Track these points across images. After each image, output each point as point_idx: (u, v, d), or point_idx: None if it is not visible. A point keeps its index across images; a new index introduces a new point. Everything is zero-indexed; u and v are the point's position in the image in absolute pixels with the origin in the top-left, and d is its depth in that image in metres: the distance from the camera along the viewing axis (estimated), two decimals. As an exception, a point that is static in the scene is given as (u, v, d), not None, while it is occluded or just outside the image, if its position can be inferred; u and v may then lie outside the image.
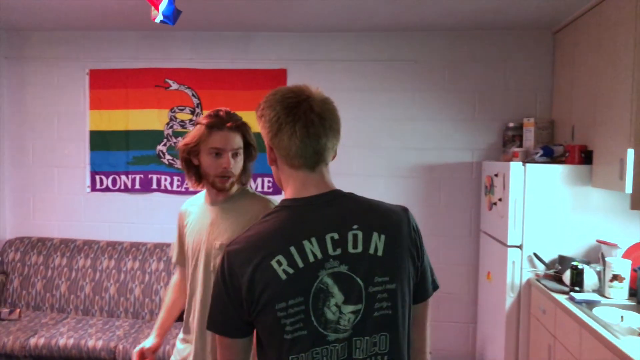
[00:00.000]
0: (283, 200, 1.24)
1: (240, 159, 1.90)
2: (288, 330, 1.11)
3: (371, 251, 1.17)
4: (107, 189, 4.21)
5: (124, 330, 3.51)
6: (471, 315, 3.94)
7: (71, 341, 3.34)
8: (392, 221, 1.23)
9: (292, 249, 1.13)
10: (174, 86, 4.09)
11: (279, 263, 1.12)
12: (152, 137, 4.13)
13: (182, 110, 4.09)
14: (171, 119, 4.10)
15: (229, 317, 1.17)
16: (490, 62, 3.86)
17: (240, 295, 1.14)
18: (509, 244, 3.16)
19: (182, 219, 2.03)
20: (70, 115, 4.19)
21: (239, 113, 3.97)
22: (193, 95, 4.08)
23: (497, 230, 3.39)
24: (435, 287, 1.36)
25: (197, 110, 4.07)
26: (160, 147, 4.12)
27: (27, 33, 4.18)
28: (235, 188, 1.92)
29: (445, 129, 3.93)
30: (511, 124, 3.76)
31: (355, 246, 1.16)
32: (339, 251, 1.15)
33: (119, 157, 4.19)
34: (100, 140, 4.19)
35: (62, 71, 4.18)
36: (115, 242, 4.07)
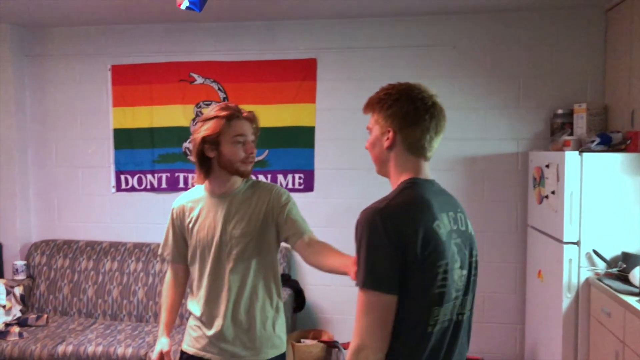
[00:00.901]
0: (412, 178, 1.38)
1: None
2: (438, 285, 1.27)
3: (469, 230, 1.42)
4: (132, 189, 4.06)
5: (153, 336, 3.36)
6: (519, 316, 3.69)
7: (100, 348, 3.19)
8: (463, 208, 1.47)
9: (441, 216, 1.32)
10: (199, 80, 3.91)
11: (439, 227, 1.30)
12: (178, 134, 3.96)
13: (207, 105, 3.92)
14: (197, 115, 3.93)
15: (393, 273, 1.24)
16: (535, 44, 3.59)
17: (404, 252, 1.23)
18: (564, 240, 2.91)
19: (182, 216, 2.02)
20: (93, 113, 4.05)
21: (268, 106, 3.84)
22: (219, 89, 3.90)
23: (550, 225, 3.14)
24: None
25: (224, 104, 3.89)
26: (186, 144, 3.95)
27: (48, 30, 4.04)
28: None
29: (487, 118, 3.67)
30: (560, 111, 3.49)
31: (462, 225, 1.39)
32: (455, 227, 1.36)
33: (144, 156, 4.03)
34: (125, 139, 4.04)
35: (84, 68, 4.04)
36: (142, 243, 3.92)
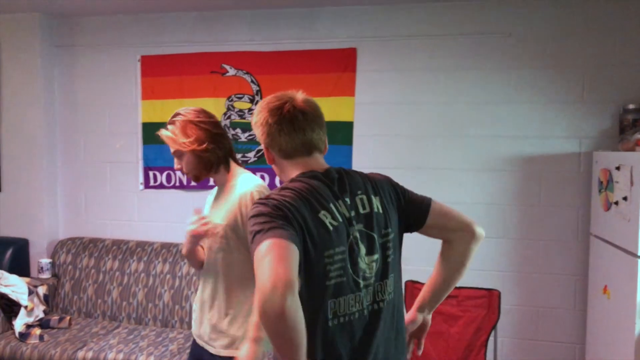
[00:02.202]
0: (298, 174, 1.38)
1: (184, 157, 1.97)
2: (331, 277, 1.26)
3: (375, 209, 1.38)
4: (161, 186, 3.87)
5: (177, 345, 3.14)
6: (578, 335, 3.31)
7: (120, 356, 2.99)
8: (380, 185, 1.44)
9: (330, 206, 1.31)
10: (231, 72, 3.68)
11: (325, 216, 1.29)
12: (209, 128, 3.73)
13: (240, 98, 3.68)
14: (229, 109, 3.70)
15: (295, 234, 1.21)
16: (603, 32, 3.20)
17: (298, 230, 1.22)
18: None
19: None
20: (121, 107, 3.87)
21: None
22: (252, 81, 3.65)
23: (620, 235, 2.75)
24: (428, 200, 1.53)
25: (257, 98, 3.65)
26: (217, 140, 3.72)
27: (77, 19, 3.89)
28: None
29: (546, 113, 3.30)
30: (631, 106, 3.09)
31: (364, 207, 1.37)
32: (353, 213, 1.35)
33: (174, 151, 3.82)
34: (154, 133, 3.82)
35: (113, 59, 3.86)
36: (170, 243, 3.72)
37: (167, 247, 3.68)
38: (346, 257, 1.29)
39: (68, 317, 3.41)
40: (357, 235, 1.33)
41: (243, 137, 3.68)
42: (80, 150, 3.96)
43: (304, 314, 1.12)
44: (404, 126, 3.48)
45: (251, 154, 3.68)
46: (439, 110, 3.42)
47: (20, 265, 3.77)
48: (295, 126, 1.40)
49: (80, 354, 3.03)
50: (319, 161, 1.45)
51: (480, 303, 2.89)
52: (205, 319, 1.98)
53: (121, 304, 3.57)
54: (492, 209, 3.39)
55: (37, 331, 3.20)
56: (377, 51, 3.48)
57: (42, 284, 3.55)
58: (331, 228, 1.29)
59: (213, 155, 1.96)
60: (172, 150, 1.98)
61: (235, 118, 3.68)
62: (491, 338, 2.90)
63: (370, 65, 3.49)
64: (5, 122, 3.88)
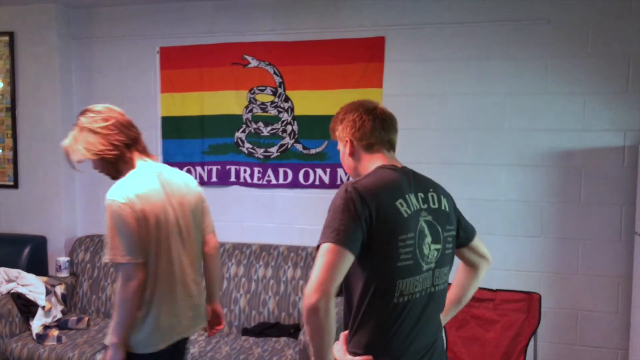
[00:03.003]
0: (381, 165, 1.56)
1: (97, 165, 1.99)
2: (402, 259, 1.41)
3: (443, 207, 1.56)
4: (181, 182, 3.74)
5: (199, 347, 3.03)
6: (621, 340, 3.11)
7: None
8: (445, 191, 1.64)
9: (407, 196, 1.47)
10: (253, 63, 3.53)
11: (401, 204, 1.44)
12: (230, 122, 3.60)
13: (262, 90, 3.54)
14: (250, 102, 3.56)
15: (356, 235, 1.37)
16: (650, 16, 2.99)
17: (367, 221, 1.38)
18: (695, 255, 2.34)
19: None
20: (140, 100, 3.75)
21: (328, 91, 3.38)
22: (275, 72, 3.50)
23: (672, 235, 2.56)
24: (474, 230, 1.72)
25: (280, 90, 3.50)
26: (238, 134, 3.59)
27: (95, 10, 3.77)
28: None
29: (587, 104, 3.10)
30: (681, 96, 2.89)
31: (434, 203, 1.54)
32: (425, 205, 1.51)
33: (194, 146, 3.70)
34: (173, 127, 3.72)
35: (131, 51, 3.74)
36: (190, 241, 3.59)
37: (187, 245, 3.56)
38: (415, 242, 1.44)
39: (86, 318, 3.31)
40: (425, 225, 1.49)
41: (265, 131, 3.54)
42: (98, 146, 3.86)
43: (374, 290, 1.40)
44: (434, 119, 3.31)
45: (273, 149, 3.53)
46: (471, 102, 3.24)
47: (38, 263, 3.69)
48: (385, 126, 1.62)
49: (99, 357, 2.92)
50: (396, 158, 1.64)
51: (519, 307, 2.72)
52: None
53: (141, 304, 3.46)
54: (528, 206, 3.21)
55: (55, 332, 3.11)
56: (406, 40, 3.31)
57: (60, 283, 3.46)
58: (405, 215, 1.44)
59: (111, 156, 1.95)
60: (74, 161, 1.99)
61: (257, 111, 3.54)
62: (531, 344, 2.73)
63: (399, 55, 3.32)
64: (22, 116, 3.79)
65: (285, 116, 3.50)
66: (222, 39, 3.56)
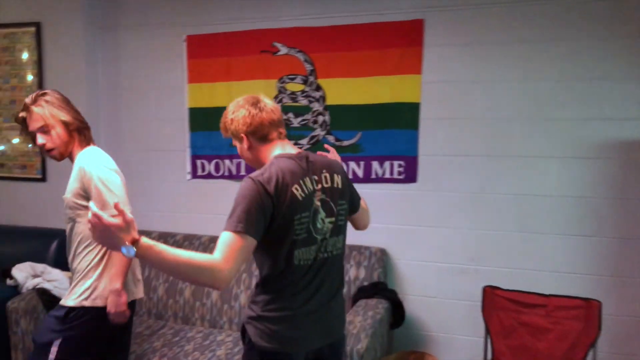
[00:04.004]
0: (278, 154, 1.78)
1: (52, 134, 2.22)
2: (297, 233, 1.68)
3: (335, 185, 1.82)
4: (209, 176, 3.60)
5: (225, 349, 2.87)
6: (689, 352, 2.81)
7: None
8: (339, 167, 1.89)
9: (301, 181, 1.71)
10: (283, 50, 3.34)
11: (296, 189, 1.69)
12: (259, 113, 3.42)
13: (292, 79, 3.34)
14: (280, 91, 3.37)
15: (259, 223, 1.60)
16: None
17: (270, 209, 1.63)
18: None
19: None
20: (167, 91, 3.62)
21: (362, 79, 3.12)
22: (305, 60, 3.31)
23: None
24: (359, 197, 2.02)
25: (311, 78, 3.30)
26: (267, 125, 3.41)
27: (122, -1, 3.67)
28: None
29: (652, 90, 2.79)
30: None
31: (327, 182, 1.79)
32: (319, 186, 1.76)
33: (222, 138, 3.47)
34: (201, 119, 3.57)
35: (158, 40, 3.61)
36: (218, 237, 3.44)
37: (215, 240, 3.39)
38: (310, 219, 1.71)
39: (112, 316, 3.21)
40: (319, 203, 1.75)
41: (295, 122, 3.35)
42: (124, 138, 3.75)
43: (277, 259, 1.68)
44: (478, 108, 3.04)
45: (304, 141, 3.34)
46: (520, 89, 2.96)
47: (65, 258, 3.60)
48: (273, 116, 1.81)
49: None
50: (290, 144, 1.87)
51: (575, 314, 2.45)
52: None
53: (167, 302, 3.33)
54: (583, 202, 2.91)
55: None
56: (448, 22, 3.05)
57: (86, 279, 3.36)
58: (300, 198, 1.68)
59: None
60: (40, 124, 2.20)
61: (287, 101, 3.35)
62: (589, 355, 2.46)
63: (440, 39, 3.07)
64: (49, 108, 3.71)
65: (316, 106, 3.30)
66: (250, 25, 3.39)
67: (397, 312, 3.02)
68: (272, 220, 1.63)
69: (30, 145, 3.79)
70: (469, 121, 3.05)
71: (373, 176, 3.22)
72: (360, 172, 3.25)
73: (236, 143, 1.85)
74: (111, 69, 3.73)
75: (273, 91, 3.37)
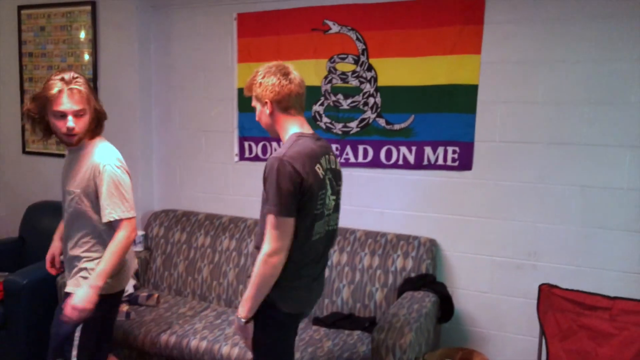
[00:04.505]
0: (299, 133, 1.92)
1: (84, 119, 2.18)
2: (318, 208, 1.85)
3: (334, 166, 2.01)
4: (256, 158, 3.54)
5: (266, 335, 2.81)
6: None
7: (204, 344, 2.72)
8: (334, 151, 2.29)
9: (320, 160, 1.88)
10: (335, 28, 3.21)
11: (318, 168, 1.85)
12: (308, 94, 3.24)
13: (343, 59, 3.21)
14: (330, 71, 3.24)
15: (294, 203, 1.78)
16: None
17: (300, 187, 1.78)
18: None
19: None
20: (217, 70, 3.57)
21: (416, 59, 2.91)
22: (357, 39, 3.16)
23: None
24: None
25: (362, 58, 3.15)
26: (316, 107, 3.30)
27: (174, -24, 3.63)
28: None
29: None
30: None
31: (330, 163, 1.97)
32: (328, 166, 1.93)
33: (270, 120, 3.46)
34: (250, 100, 3.49)
35: (208, 18, 3.55)
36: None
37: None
38: (326, 195, 1.88)
39: (156, 295, 3.22)
40: (327, 182, 1.91)
41: (345, 104, 3.22)
42: (175, 117, 3.75)
43: (302, 231, 1.84)
44: (543, 90, 2.80)
45: (353, 124, 3.21)
46: (590, 70, 2.70)
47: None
48: (300, 92, 1.95)
49: (164, 337, 2.81)
50: (306, 123, 2.00)
51: (643, 320, 2.22)
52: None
53: (211, 284, 3.32)
54: (659, 197, 2.64)
55: (125, 308, 3.04)
56: (512, -3, 2.82)
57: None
58: (321, 177, 1.85)
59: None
60: (79, 107, 2.14)
61: (337, 82, 3.23)
62: (656, 366, 2.23)
63: (501, 16, 2.84)
64: (103, 88, 3.75)
65: (367, 87, 3.15)
66: (301, 2, 3.27)
67: (445, 306, 2.87)
68: (301, 197, 1.79)
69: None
70: (531, 105, 2.82)
71: (425, 162, 3.05)
72: (411, 158, 3.09)
73: (256, 104, 1.96)
74: (162, 49, 3.72)
75: (323, 71, 3.25)
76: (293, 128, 1.92)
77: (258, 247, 1.89)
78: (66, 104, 2.10)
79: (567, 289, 2.51)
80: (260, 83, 1.91)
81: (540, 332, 2.52)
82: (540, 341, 2.53)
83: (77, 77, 2.16)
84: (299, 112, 1.96)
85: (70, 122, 2.12)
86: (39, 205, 3.88)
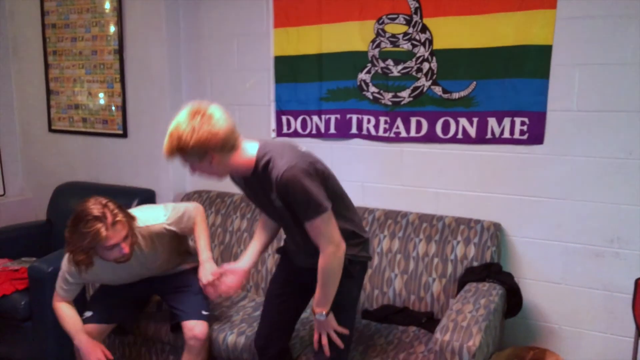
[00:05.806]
0: (261, 148, 1.87)
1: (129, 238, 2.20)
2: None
3: None
4: (295, 133, 3.23)
5: (310, 329, 2.53)
6: None
7: (242, 340, 2.46)
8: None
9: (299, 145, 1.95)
10: (383, -15, 2.84)
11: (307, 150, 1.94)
12: (352, 61, 2.97)
13: (393, 20, 2.84)
14: (378, 34, 2.88)
15: (323, 193, 1.82)
16: None
17: (317, 173, 1.82)
18: None
19: None
20: (251, 37, 3.25)
21: (478, 17, 2.62)
22: (410, -4, 2.79)
23: None
24: None
25: (416, 18, 2.77)
26: (362, 76, 2.95)
27: None
28: None
29: None
30: None
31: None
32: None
33: (310, 91, 3.14)
34: (288, 69, 3.18)
35: (241, -21, 3.23)
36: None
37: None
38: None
39: (190, 283, 2.98)
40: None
41: (395, 70, 2.86)
42: (206, 90, 3.45)
43: (342, 200, 2.04)
44: (631, 50, 2.38)
45: (405, 93, 2.85)
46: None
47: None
48: (224, 118, 1.78)
49: (198, 331, 2.56)
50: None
51: None
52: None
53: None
54: None
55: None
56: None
57: (164, 242, 3.16)
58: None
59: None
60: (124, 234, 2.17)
61: (385, 46, 2.86)
62: None
63: (583, -38, 2.42)
64: (129, 59, 3.48)
65: (421, 51, 2.78)
66: (345, -43, 2.90)
67: (512, 299, 2.53)
68: (326, 181, 1.88)
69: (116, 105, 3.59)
70: (618, 67, 2.41)
71: (489, 136, 2.68)
72: (472, 132, 2.72)
73: (203, 164, 1.80)
74: (191, 16, 3.41)
75: (370, 34, 2.89)
76: (250, 147, 1.86)
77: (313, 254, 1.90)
78: (113, 238, 2.12)
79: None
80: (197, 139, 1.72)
81: (636, 332, 2.17)
82: (636, 341, 2.18)
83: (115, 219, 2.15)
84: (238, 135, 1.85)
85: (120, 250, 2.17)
86: (67, 186, 3.69)
